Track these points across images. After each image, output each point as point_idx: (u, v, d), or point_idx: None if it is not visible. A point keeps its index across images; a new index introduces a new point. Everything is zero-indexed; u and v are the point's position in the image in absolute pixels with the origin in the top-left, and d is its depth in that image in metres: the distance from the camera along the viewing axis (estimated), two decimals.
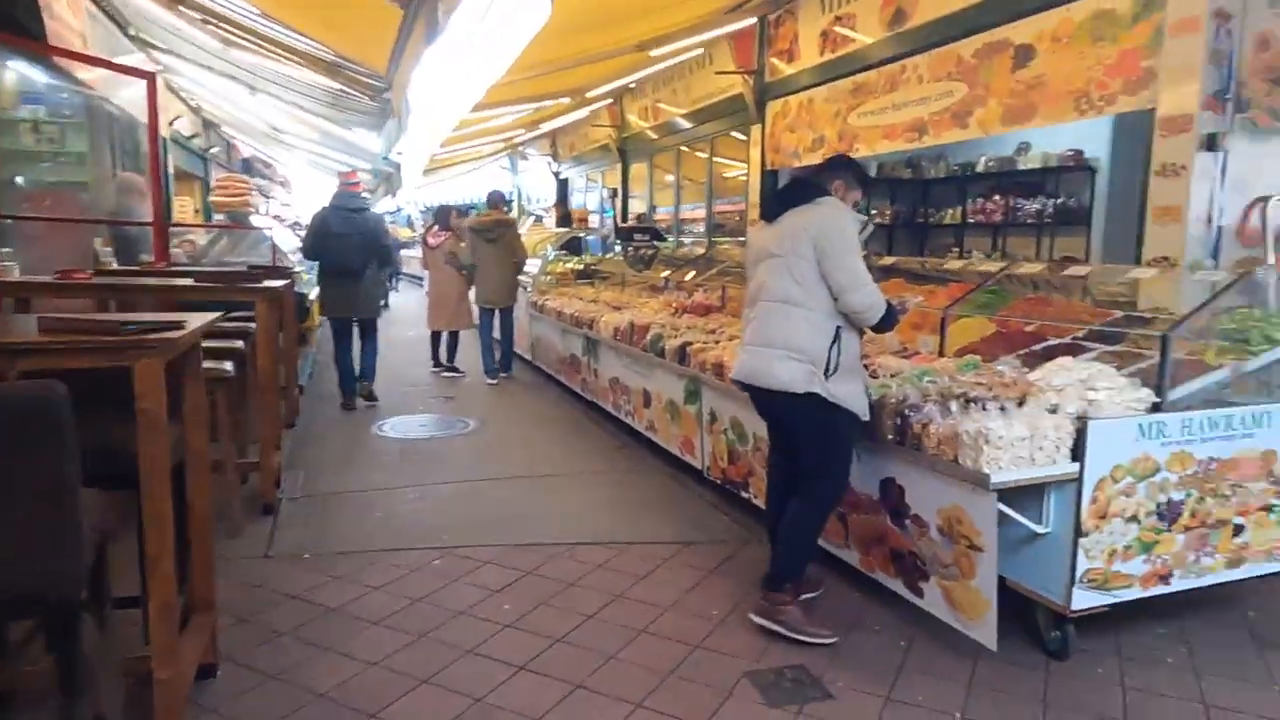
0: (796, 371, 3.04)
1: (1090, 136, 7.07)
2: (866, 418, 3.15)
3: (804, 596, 3.36)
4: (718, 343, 4.95)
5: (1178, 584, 3.05)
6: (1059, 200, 7.31)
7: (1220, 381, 3.09)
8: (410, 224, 28.48)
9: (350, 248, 6.91)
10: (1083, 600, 2.88)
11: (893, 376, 3.56)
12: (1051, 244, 7.47)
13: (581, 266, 9.86)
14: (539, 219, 17.77)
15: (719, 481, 4.73)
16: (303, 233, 9.42)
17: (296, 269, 9.30)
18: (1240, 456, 3.04)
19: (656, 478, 5.22)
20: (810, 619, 3.10)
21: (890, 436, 3.17)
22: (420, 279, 9.87)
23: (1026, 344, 3.81)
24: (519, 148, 17.81)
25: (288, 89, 8.39)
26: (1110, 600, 2.93)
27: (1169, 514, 2.95)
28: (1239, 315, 3.20)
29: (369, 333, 7.54)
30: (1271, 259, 4.39)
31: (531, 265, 9.04)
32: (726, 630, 3.20)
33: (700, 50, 9.29)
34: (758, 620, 3.14)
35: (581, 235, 11.23)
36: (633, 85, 11.45)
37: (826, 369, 3.03)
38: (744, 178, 9.36)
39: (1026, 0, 5.23)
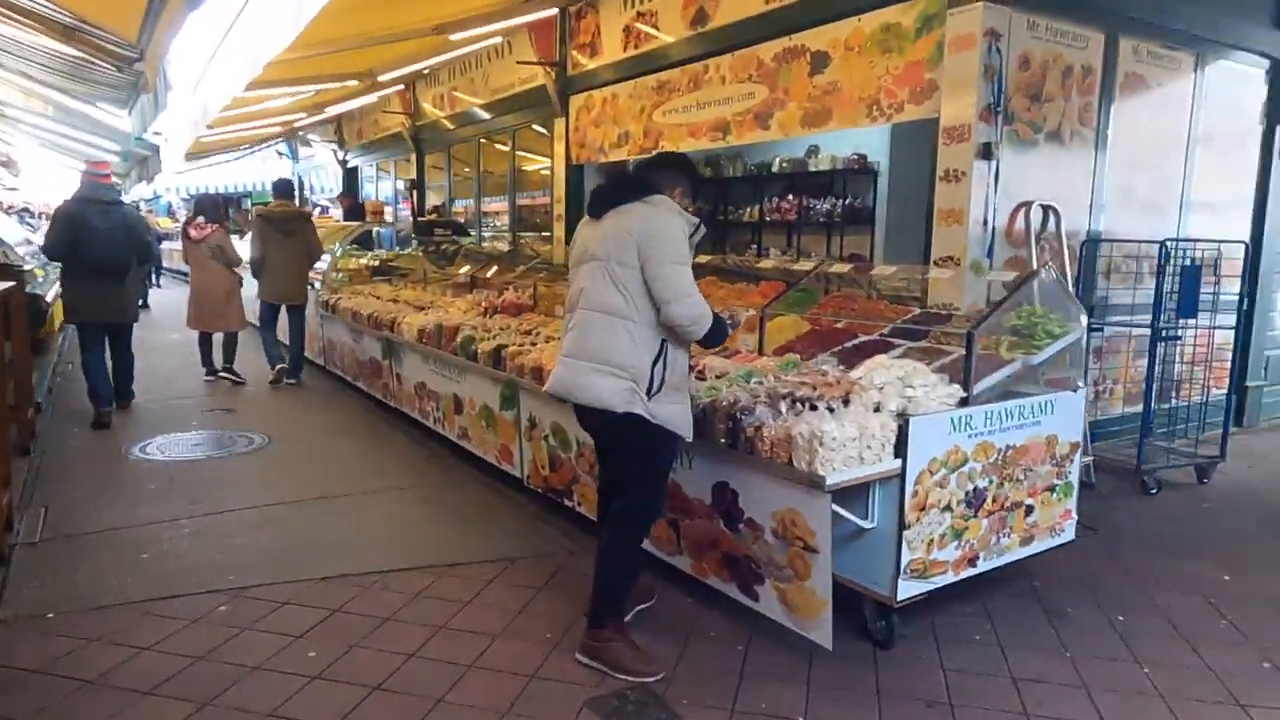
0: (616, 389, 2.81)
1: (871, 142, 7.57)
2: (690, 439, 2.97)
3: (637, 608, 3.25)
4: (534, 345, 4.73)
5: (983, 565, 3.26)
6: (847, 201, 7.77)
7: (1012, 374, 3.33)
8: (171, 213, 25.65)
9: (114, 245, 6.03)
10: (907, 590, 2.98)
11: (719, 378, 3.54)
12: (841, 242, 7.94)
13: (377, 263, 9.22)
14: (324, 210, 16.56)
15: (541, 490, 4.52)
16: (34, 222, 8.04)
17: (27, 266, 7.96)
18: (1030, 443, 3.30)
19: (473, 489, 4.92)
20: (637, 654, 2.90)
21: (722, 440, 3.13)
22: (187, 274, 8.77)
23: (839, 341, 3.93)
24: (300, 132, 16.48)
25: (9, 54, 7.09)
26: (929, 587, 3.06)
27: (975, 501, 3.14)
28: (1023, 313, 3.46)
29: (125, 339, 6.58)
30: (1034, 259, 4.88)
31: (320, 262, 8.32)
32: (563, 654, 3.01)
33: (499, 39, 8.98)
34: (583, 660, 2.93)
35: (376, 229, 10.52)
36: (426, 71, 10.89)
37: (649, 388, 2.81)
38: (548, 171, 9.17)
39: (821, 9, 5.46)
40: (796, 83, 5.69)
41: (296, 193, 16.72)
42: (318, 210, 15.79)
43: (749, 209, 8.85)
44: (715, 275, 5.23)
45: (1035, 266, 4.87)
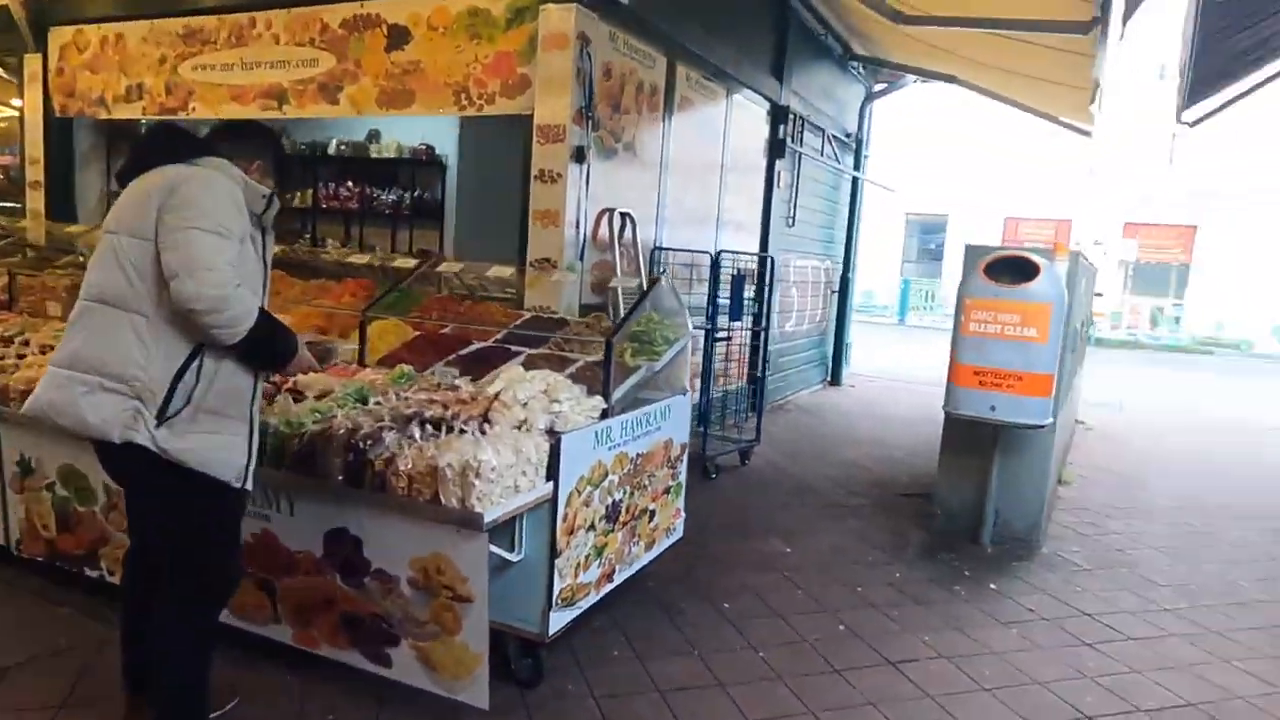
0: (110, 409, 2.04)
1: (439, 133, 7.22)
2: (240, 484, 2.21)
3: (212, 716, 2.45)
4: (21, 358, 3.43)
5: (618, 578, 3.19)
6: (415, 193, 7.31)
7: (639, 382, 3.31)
8: None
9: None
10: (558, 622, 2.76)
11: (320, 398, 2.89)
12: (410, 237, 7.44)
13: None
14: None
15: (43, 560, 3.27)
16: None
17: None
18: (653, 449, 3.32)
19: None
20: None
21: (340, 477, 2.53)
22: None
23: (451, 348, 3.54)
24: None
25: None
26: (576, 613, 2.88)
27: (613, 514, 3.04)
28: (642, 319, 3.47)
29: None
30: (617, 264, 5.06)
31: None
32: None
33: None
34: None
35: None
36: None
37: (164, 408, 2.04)
38: (14, 124, 6.96)
39: None
40: (371, 56, 5.07)
41: None
42: None
43: (300, 194, 7.81)
44: (282, 270, 4.41)
45: (618, 271, 5.06)
